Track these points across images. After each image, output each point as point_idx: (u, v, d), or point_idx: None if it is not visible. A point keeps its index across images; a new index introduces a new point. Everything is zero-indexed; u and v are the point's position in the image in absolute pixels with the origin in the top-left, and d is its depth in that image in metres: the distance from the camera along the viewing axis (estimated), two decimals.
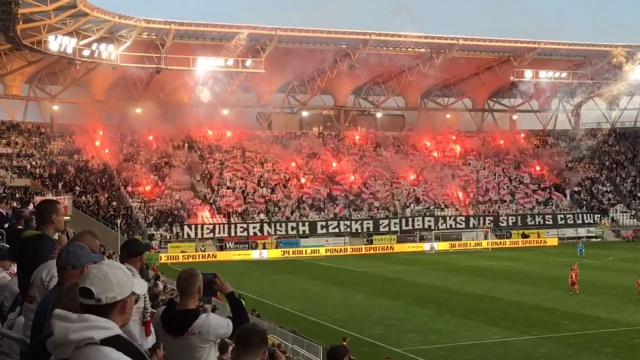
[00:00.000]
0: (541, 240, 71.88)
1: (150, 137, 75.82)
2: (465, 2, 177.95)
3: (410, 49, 78.56)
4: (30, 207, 54.11)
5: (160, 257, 58.51)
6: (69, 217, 45.34)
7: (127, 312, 3.28)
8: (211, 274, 5.35)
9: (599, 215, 78.98)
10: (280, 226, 68.24)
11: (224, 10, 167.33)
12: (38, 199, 55.89)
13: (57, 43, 60.47)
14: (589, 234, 75.88)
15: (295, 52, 72.74)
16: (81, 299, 3.23)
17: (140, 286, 3.43)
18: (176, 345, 5.27)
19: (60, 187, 64.84)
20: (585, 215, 78.41)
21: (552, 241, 71.43)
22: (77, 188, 66.57)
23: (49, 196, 54.31)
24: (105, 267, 3.30)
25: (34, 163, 68.90)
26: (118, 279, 3.25)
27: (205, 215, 67.85)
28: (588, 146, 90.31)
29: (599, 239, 75.18)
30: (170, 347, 5.36)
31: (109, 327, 3.14)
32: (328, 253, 65.15)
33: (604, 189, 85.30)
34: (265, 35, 71.04)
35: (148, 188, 69.06)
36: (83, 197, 65.46)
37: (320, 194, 73.63)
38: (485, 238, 70.71)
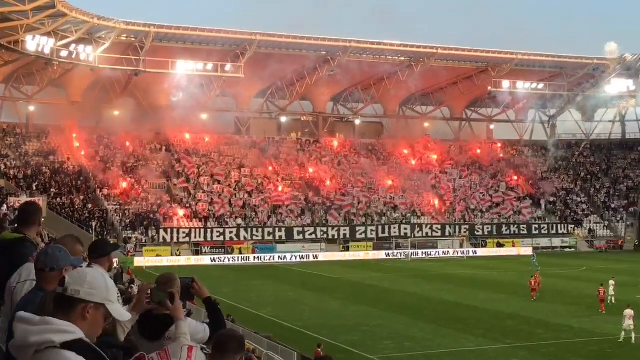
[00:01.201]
0: (516, 250, 72.43)
1: (128, 143, 75.32)
2: (445, 13, 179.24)
3: (390, 57, 78.98)
4: (4, 208, 53.58)
5: (135, 260, 58.20)
6: (43, 219, 44.87)
7: (88, 320, 3.20)
8: (189, 278, 5.32)
9: (572, 226, 79.91)
10: (257, 231, 68.11)
11: (206, 14, 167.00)
12: (12, 200, 55.33)
13: (34, 43, 59.87)
14: (562, 244, 76.76)
15: (275, 57, 72.79)
16: (57, 288, 3.25)
17: (121, 313, 3.39)
18: (152, 350, 5.24)
19: (34, 188, 64.16)
20: (559, 225, 79.28)
21: (527, 251, 71.96)
22: (52, 190, 65.91)
23: (24, 197, 53.80)
24: (91, 269, 3.33)
25: (8, 164, 68.10)
26: (93, 280, 3.24)
27: (181, 219, 67.54)
28: (563, 157, 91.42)
29: (573, 249, 76.03)
30: (146, 351, 5.32)
31: (71, 331, 3.08)
32: (304, 259, 65.14)
33: (579, 199, 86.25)
34: (245, 40, 70.96)
35: (124, 190, 68.59)
36: (58, 199, 64.84)
37: (298, 200, 73.63)
38: (461, 246, 71.17)
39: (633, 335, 27.02)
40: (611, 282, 36.68)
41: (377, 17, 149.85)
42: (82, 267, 4.64)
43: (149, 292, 4.89)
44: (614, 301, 34.59)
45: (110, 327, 4.21)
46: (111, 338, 4.40)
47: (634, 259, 60.62)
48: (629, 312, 27.56)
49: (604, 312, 33.65)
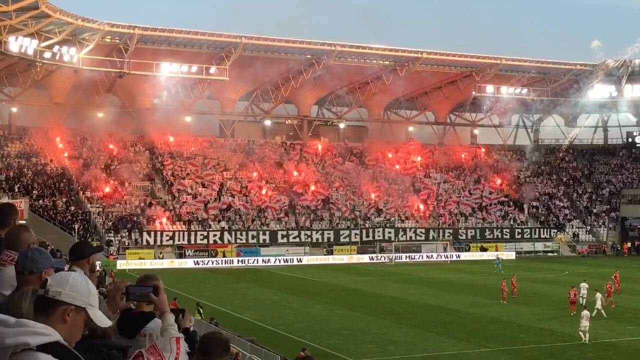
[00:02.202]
0: (499, 254, 72.64)
1: (111, 145, 74.88)
2: (430, 18, 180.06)
3: (375, 61, 79.17)
4: None
5: (118, 263, 57.91)
6: (25, 221, 44.46)
7: (68, 323, 3.15)
8: (181, 309, 5.21)
9: (555, 230, 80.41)
10: (241, 234, 67.94)
11: (192, 17, 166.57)
12: None
13: (17, 44, 59.45)
14: (545, 249, 77.19)
15: (260, 60, 72.72)
16: (39, 289, 3.22)
17: (101, 318, 3.35)
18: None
19: (16, 190, 63.63)
20: (541, 230, 79.77)
21: (510, 255, 72.25)
22: (34, 192, 65.40)
23: (5, 199, 53.35)
24: (75, 272, 3.32)
25: None
26: (75, 283, 3.20)
27: (164, 222, 67.20)
28: (546, 162, 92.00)
29: (555, 254, 76.50)
30: None
31: (47, 334, 3.02)
32: (288, 262, 65.06)
33: (561, 204, 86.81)
34: (230, 43, 70.86)
35: (107, 192, 68.15)
36: (40, 201, 64.34)
37: (282, 203, 73.51)
38: (445, 250, 71.42)
39: (587, 336, 27.79)
40: (584, 284, 37.18)
41: (363, 20, 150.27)
42: (64, 269, 4.60)
43: (124, 290, 4.83)
44: (582, 302, 34.94)
45: (108, 328, 4.18)
46: (108, 340, 4.37)
47: (615, 264, 61.07)
48: (585, 313, 28.66)
49: (572, 313, 34.15)
